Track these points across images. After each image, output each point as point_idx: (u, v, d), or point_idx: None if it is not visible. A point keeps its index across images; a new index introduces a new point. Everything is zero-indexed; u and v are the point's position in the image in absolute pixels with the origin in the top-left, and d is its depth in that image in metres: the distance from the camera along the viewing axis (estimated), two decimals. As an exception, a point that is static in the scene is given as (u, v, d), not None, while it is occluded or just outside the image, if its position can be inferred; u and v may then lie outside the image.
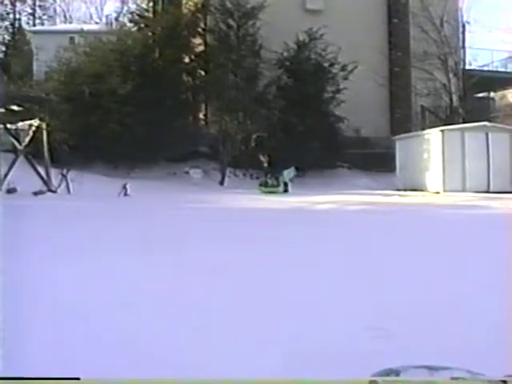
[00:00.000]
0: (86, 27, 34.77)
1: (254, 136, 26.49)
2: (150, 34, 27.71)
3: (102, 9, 49.29)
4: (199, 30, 28.36)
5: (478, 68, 32.61)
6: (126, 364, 3.05)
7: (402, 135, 25.48)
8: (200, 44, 28.28)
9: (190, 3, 28.33)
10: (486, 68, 33.25)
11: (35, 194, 17.43)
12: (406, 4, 29.78)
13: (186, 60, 28.42)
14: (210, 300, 4.63)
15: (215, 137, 26.35)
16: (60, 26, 42.23)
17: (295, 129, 25.43)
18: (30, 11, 45.14)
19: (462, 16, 30.81)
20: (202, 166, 26.23)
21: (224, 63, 26.54)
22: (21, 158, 18.90)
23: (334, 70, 27.02)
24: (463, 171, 21.58)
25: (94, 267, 5.96)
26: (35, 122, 19.73)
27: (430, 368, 1.76)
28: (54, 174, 19.38)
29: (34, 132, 19.55)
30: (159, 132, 24.03)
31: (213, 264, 6.12)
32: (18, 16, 43.81)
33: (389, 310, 4.28)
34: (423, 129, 26.29)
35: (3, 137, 19.89)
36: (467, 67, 31.13)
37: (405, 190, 22.30)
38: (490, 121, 25.47)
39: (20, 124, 19.97)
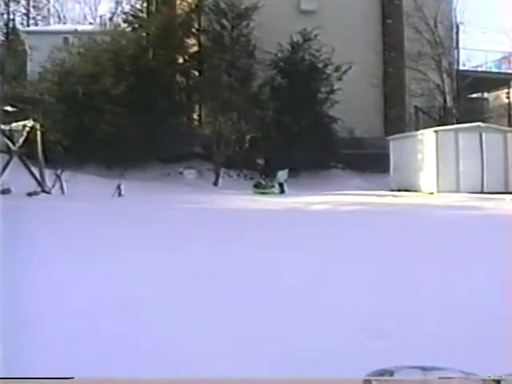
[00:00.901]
0: (80, 28, 34.65)
1: (248, 136, 26.49)
2: (143, 34, 27.64)
3: (96, 9, 49.13)
4: (193, 30, 28.29)
5: (471, 69, 32.66)
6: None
7: (396, 136, 25.49)
8: (194, 44, 28.24)
9: (184, 4, 28.29)
10: (479, 69, 33.33)
11: (29, 194, 17.38)
12: (400, 5, 29.79)
13: (180, 60, 28.37)
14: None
15: (209, 137, 26.31)
16: (54, 27, 42.05)
17: (289, 129, 25.41)
18: (24, 11, 44.97)
19: (456, 17, 30.82)
20: (195, 166, 26.19)
21: (218, 64, 26.52)
22: (15, 159, 18.84)
23: (328, 71, 26.99)
24: (457, 172, 21.61)
25: (89, 264, 5.97)
26: (29, 123, 19.67)
27: (423, 368, 1.77)
28: (48, 174, 19.33)
29: (28, 133, 19.49)
30: (153, 132, 23.98)
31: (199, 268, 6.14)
32: (11, 16, 43.64)
33: (388, 310, 4.29)
34: (417, 129, 26.31)
35: (-3, 137, 19.87)
36: (461, 68, 31.15)
37: (399, 190, 22.33)
38: (483, 121, 25.55)
39: (14, 125, 19.89)
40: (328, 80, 27.06)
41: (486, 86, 32.65)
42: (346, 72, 26.27)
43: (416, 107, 30.04)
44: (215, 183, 25.20)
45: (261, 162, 23.77)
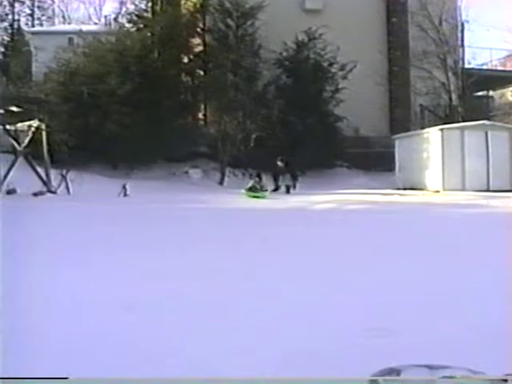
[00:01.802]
0: (84, 28, 34.65)
1: (254, 136, 26.47)
2: (148, 34, 27.67)
3: (100, 9, 49.18)
4: (198, 30, 28.32)
5: (477, 67, 32.61)
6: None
7: (402, 134, 25.45)
8: (199, 44, 28.27)
9: (189, 3, 28.31)
10: (485, 67, 33.26)
11: (35, 194, 17.42)
12: (405, 3, 29.73)
13: (185, 60, 28.40)
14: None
15: (214, 137, 26.30)
16: (59, 27, 42.10)
17: (294, 128, 25.43)
18: (29, 12, 44.95)
19: (461, 15, 30.74)
20: (201, 166, 26.21)
21: (223, 63, 26.53)
22: (20, 159, 18.90)
23: (333, 70, 27.00)
24: (463, 170, 21.56)
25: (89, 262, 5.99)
26: (34, 123, 19.72)
27: (430, 367, 1.76)
28: (54, 174, 19.38)
29: (34, 133, 19.54)
30: (158, 132, 23.98)
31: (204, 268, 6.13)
32: (16, 17, 43.61)
33: (387, 310, 4.28)
34: (422, 128, 26.26)
35: (2, 138, 19.92)
36: (466, 66, 31.09)
37: (404, 189, 22.28)
38: (489, 119, 25.45)
39: (19, 125, 19.94)
40: (333, 79, 27.07)
41: (492, 84, 32.53)
42: (351, 71, 26.27)
43: (421, 106, 30.00)
44: (221, 182, 25.19)
45: (281, 164, 23.14)
